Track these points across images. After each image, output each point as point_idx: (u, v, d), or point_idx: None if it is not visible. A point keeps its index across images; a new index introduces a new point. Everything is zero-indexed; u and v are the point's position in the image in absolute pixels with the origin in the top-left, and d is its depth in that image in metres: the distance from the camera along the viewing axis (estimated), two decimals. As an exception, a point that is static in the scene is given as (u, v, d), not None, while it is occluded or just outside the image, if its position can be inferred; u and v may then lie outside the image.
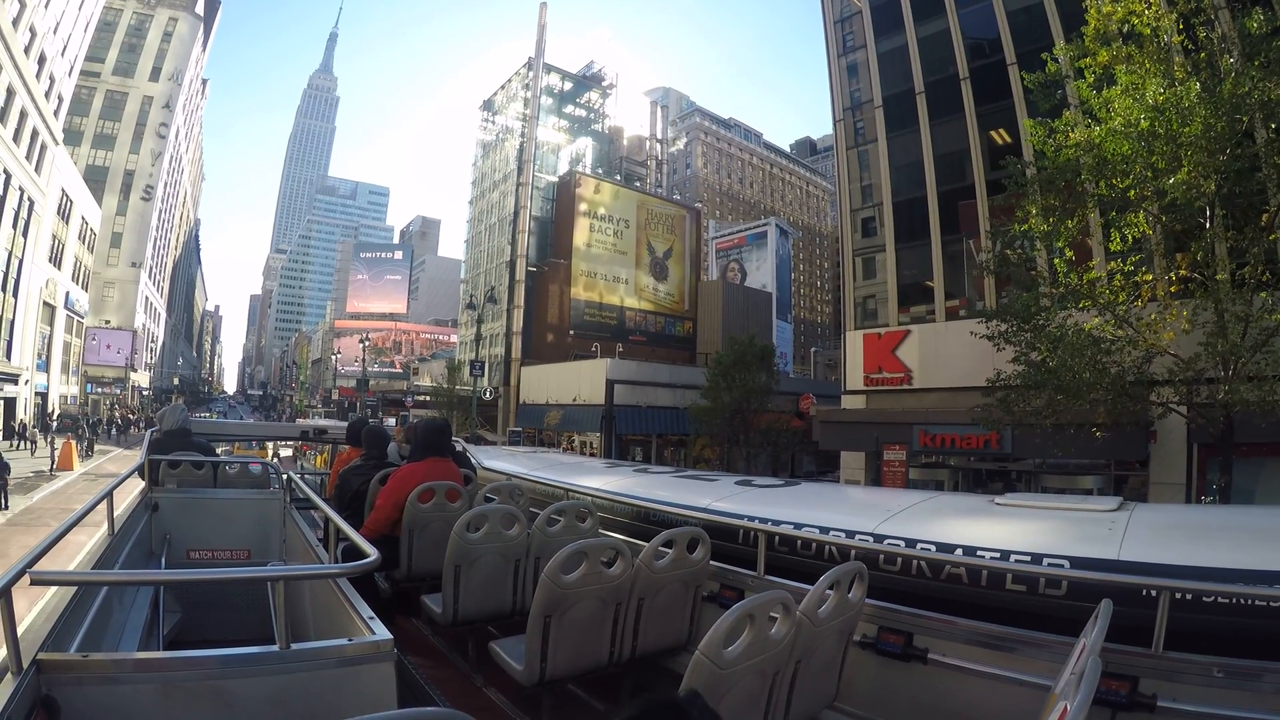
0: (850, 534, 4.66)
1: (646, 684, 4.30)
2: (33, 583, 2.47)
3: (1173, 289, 15.78)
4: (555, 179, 65.03)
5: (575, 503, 5.46)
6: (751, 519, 5.07)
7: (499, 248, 68.66)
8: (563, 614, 3.68)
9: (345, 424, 9.86)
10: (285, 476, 6.83)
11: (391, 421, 59.84)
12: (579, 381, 46.15)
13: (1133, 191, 14.30)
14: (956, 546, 4.22)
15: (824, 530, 4.81)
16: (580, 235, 61.31)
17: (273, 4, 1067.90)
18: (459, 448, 7.86)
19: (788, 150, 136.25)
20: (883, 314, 31.58)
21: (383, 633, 2.87)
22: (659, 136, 76.92)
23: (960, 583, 4.12)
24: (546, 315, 60.83)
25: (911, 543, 4.40)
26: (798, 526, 4.92)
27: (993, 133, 28.08)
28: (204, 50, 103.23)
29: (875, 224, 32.61)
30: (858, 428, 29.59)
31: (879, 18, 32.55)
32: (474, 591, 4.67)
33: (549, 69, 66.58)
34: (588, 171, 65.86)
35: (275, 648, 2.70)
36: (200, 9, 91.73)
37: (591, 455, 38.49)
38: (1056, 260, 16.09)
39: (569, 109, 69.93)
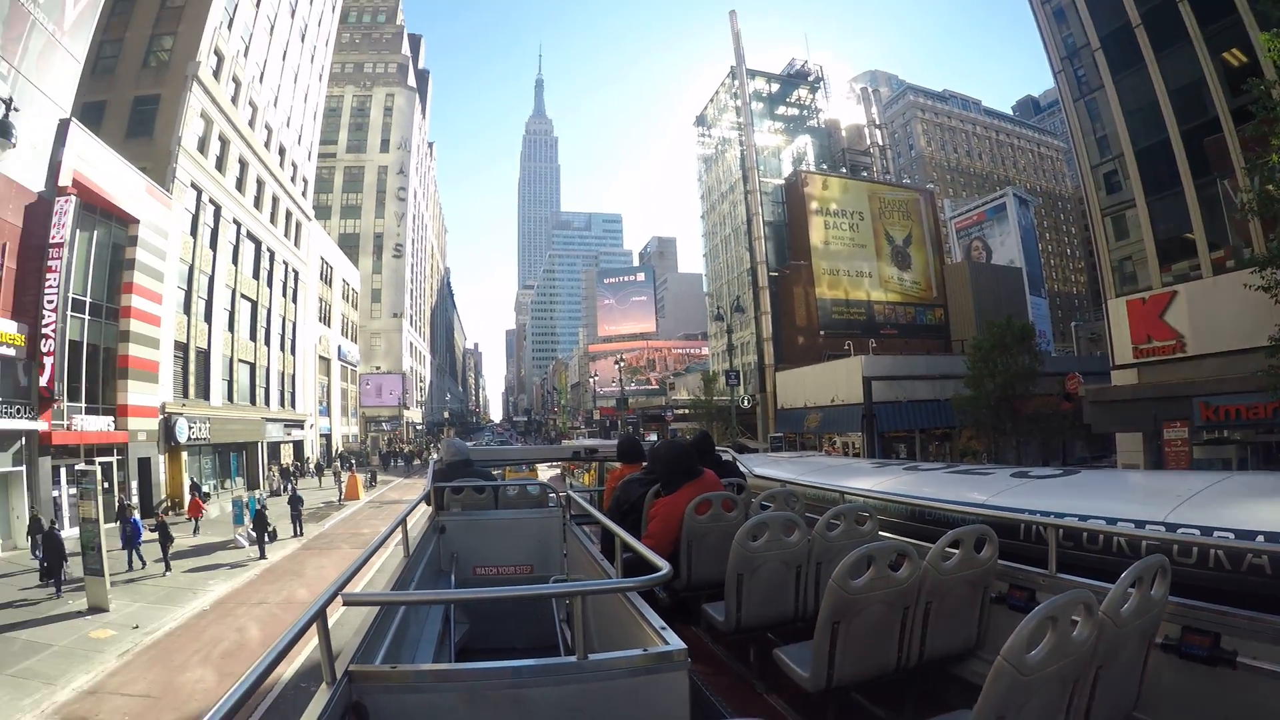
0: (1139, 524, 4.37)
1: (933, 690, 4.19)
2: (345, 604, 2.82)
3: None
4: (781, 181, 64.69)
5: (852, 505, 5.26)
6: (1034, 513, 4.84)
7: (738, 257, 69.27)
8: (850, 620, 3.57)
9: (613, 442, 10.29)
10: (565, 495, 7.38)
11: (654, 436, 61.76)
12: (835, 382, 45.62)
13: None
14: (1258, 533, 3.77)
15: (1110, 521, 4.49)
16: (816, 234, 60.63)
17: (477, 66, 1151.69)
18: (727, 457, 7.90)
19: (1010, 113, 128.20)
20: (1143, 276, 28.14)
21: (676, 642, 2.93)
22: (876, 122, 74.07)
23: (1264, 574, 3.66)
24: (795, 318, 60.77)
25: (1207, 530, 4.02)
26: (1082, 518, 4.62)
27: (1226, 55, 24.07)
28: (424, 116, 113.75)
29: (1119, 178, 29.07)
30: (1131, 405, 26.75)
31: (1074, -50, 29.16)
32: (756, 599, 4.62)
33: (753, 74, 66.43)
34: (812, 169, 64.98)
35: (573, 658, 2.84)
36: (411, 81, 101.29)
37: (854, 455, 38.33)
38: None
39: (781, 110, 69.28)
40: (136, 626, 16.23)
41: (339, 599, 2.80)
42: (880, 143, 73.60)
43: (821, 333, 58.22)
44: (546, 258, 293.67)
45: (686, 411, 68.98)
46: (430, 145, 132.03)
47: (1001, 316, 36.61)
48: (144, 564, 21.62)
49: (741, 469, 7.78)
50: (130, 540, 21.84)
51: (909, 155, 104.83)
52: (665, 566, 3.20)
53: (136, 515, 22.29)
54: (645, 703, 2.79)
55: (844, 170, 66.64)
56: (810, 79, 70.58)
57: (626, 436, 9.10)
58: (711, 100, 73.87)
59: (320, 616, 2.60)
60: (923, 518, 5.81)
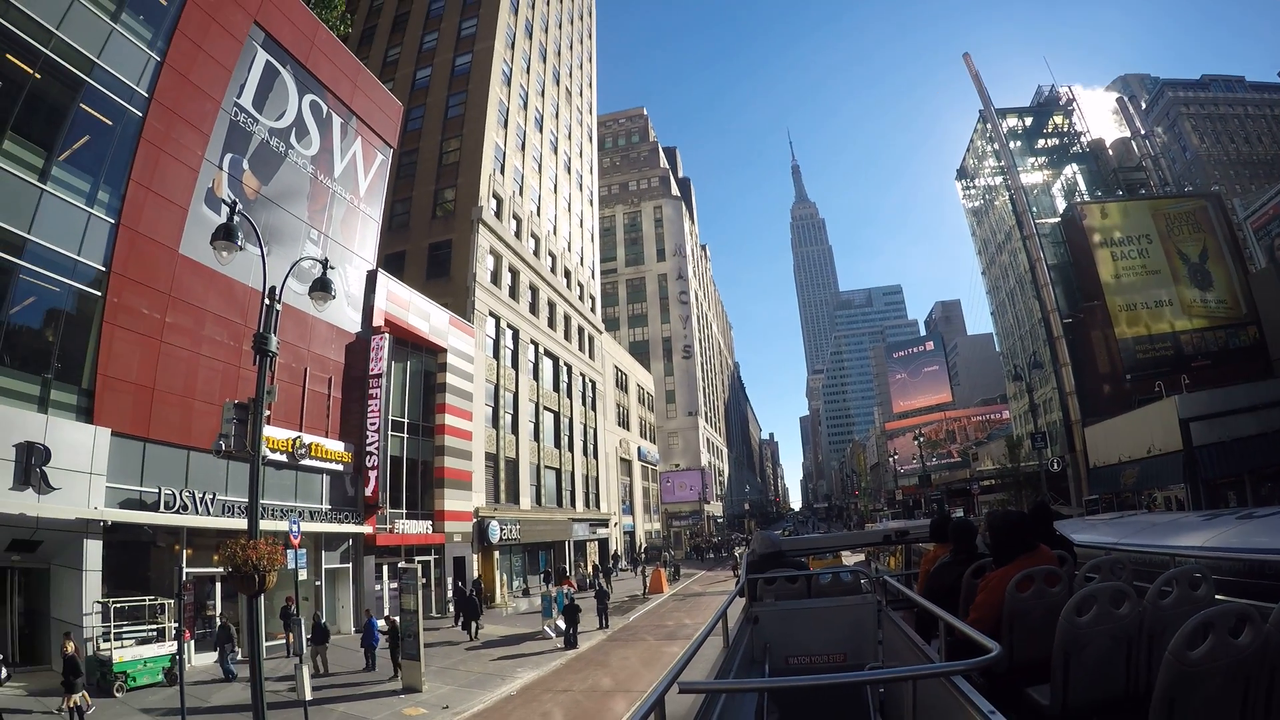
0: None
1: None
2: (680, 691, 3.00)
3: None
4: (1057, 220, 61.24)
5: (1183, 568, 4.66)
6: None
7: (1027, 309, 66.08)
8: (1188, 697, 3.21)
9: (923, 523, 10.18)
10: (881, 580, 7.36)
11: (960, 511, 58.46)
12: (1149, 429, 41.81)
13: None
14: None
15: None
16: (1104, 269, 56.33)
17: (732, 164, 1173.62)
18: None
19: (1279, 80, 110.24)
20: None
21: None
22: (1142, 131, 67.95)
23: None
24: (1096, 365, 56.82)
25: None
26: None
27: None
28: (692, 221, 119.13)
29: None
30: None
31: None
32: (1084, 678, 4.19)
33: (1002, 113, 64.29)
34: (1087, 198, 60.73)
35: None
36: (675, 190, 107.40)
37: (1179, 509, 34.27)
38: None
39: (1040, 143, 65.92)
40: (446, 707, 17.57)
41: (675, 686, 2.93)
42: (1151, 153, 67.20)
43: (1128, 376, 53.34)
44: (832, 340, 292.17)
45: (993, 482, 65.53)
46: (704, 248, 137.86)
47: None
48: (374, 666, 21.66)
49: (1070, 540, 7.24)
50: (367, 643, 22.12)
51: (1184, 159, 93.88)
52: (996, 647, 3.07)
53: (377, 619, 23.08)
54: None
55: (1120, 193, 61.55)
56: (1062, 102, 66.31)
57: (939, 516, 8.49)
58: (968, 150, 71.65)
59: (659, 705, 2.76)
60: (1263, 572, 5.13)
